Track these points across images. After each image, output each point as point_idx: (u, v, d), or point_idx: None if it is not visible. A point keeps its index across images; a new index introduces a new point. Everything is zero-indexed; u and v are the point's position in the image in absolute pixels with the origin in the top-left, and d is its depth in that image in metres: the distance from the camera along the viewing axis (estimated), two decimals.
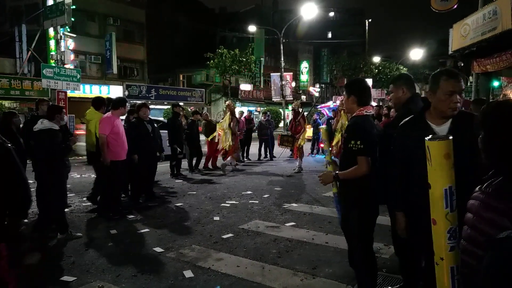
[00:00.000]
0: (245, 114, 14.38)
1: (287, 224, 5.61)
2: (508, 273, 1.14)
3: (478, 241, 1.52)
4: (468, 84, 14.51)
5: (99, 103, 6.69)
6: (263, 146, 13.91)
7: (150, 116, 7.36)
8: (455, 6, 12.10)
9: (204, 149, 11.41)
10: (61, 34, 16.02)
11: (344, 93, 3.14)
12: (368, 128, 2.81)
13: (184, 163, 10.55)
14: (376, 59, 43.48)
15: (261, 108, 32.31)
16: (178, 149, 9.50)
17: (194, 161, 10.81)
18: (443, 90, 2.36)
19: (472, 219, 1.59)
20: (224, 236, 5.07)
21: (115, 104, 6.12)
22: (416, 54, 39.56)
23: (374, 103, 13.10)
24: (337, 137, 7.39)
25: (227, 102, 12.21)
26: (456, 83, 2.36)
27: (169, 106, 11.59)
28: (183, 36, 38.02)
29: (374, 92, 35.60)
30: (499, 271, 1.18)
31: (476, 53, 10.58)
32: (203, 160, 11.20)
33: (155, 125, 7.28)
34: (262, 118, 14.93)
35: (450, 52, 11.86)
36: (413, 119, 2.57)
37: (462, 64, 14.43)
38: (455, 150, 1.94)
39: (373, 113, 3.02)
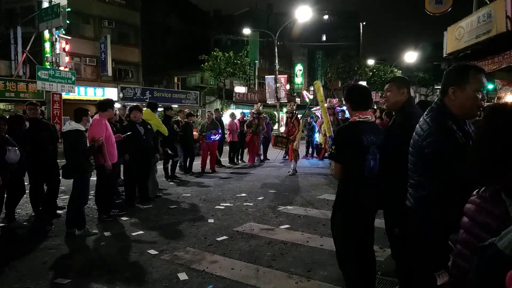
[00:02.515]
0: (239, 116, 14.31)
1: (282, 227, 5.59)
2: (490, 280, 1.17)
3: (473, 245, 1.51)
4: None
5: (155, 105, 8.28)
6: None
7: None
8: (449, 9, 12.19)
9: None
10: (56, 36, 16.00)
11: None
12: (346, 136, 2.81)
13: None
14: (370, 61, 43.64)
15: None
16: (170, 152, 9.45)
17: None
18: (473, 87, 2.11)
19: (467, 223, 1.58)
20: (219, 239, 5.04)
21: (103, 106, 6.03)
22: (411, 57, 39.74)
23: None
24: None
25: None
26: (485, 79, 2.16)
27: (162, 109, 11.48)
28: (178, 38, 37.94)
29: None
30: (483, 278, 1.20)
31: (470, 56, 10.64)
32: (197, 163, 11.15)
33: (149, 126, 7.21)
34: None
35: (444, 55, 11.91)
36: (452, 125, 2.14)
37: None
38: None
39: (370, 118, 2.94)
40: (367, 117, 2.87)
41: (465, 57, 11.00)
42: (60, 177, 5.99)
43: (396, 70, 44.13)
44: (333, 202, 3.06)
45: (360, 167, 2.77)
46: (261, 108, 13.54)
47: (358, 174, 2.78)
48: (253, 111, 13.26)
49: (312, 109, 17.07)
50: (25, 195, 6.06)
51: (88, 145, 5.39)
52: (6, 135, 5.08)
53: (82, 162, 5.21)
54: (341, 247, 2.99)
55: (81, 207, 5.27)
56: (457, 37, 10.64)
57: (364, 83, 38.87)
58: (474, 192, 1.62)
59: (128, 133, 6.61)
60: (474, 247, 1.48)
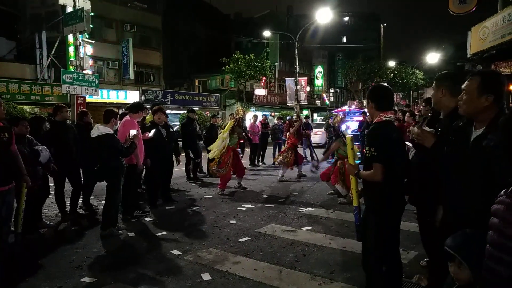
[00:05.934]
0: (260, 118, 14.38)
1: (304, 228, 5.58)
2: None
3: (505, 246, 1.49)
4: None
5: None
6: (277, 150, 13.87)
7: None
8: (474, 9, 11.94)
9: None
10: (80, 41, 16.35)
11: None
12: (385, 135, 2.78)
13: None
14: (391, 63, 43.08)
15: (276, 113, 32.32)
16: (192, 154, 9.55)
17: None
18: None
19: (498, 224, 1.55)
20: (241, 240, 5.07)
21: (134, 108, 6.17)
22: (433, 58, 39.09)
23: None
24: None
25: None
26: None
27: (185, 111, 11.35)
28: (199, 41, 38.26)
29: None
30: None
31: (496, 56, 10.40)
32: None
33: (171, 129, 7.28)
34: (276, 122, 14.89)
35: (468, 55, 11.68)
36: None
37: (481, 68, 14.21)
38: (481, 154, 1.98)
39: (392, 118, 2.95)
40: (391, 117, 2.90)
41: (490, 58, 10.77)
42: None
43: (417, 72, 43.44)
44: (364, 205, 3.05)
45: (394, 164, 2.77)
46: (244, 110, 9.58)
47: (392, 171, 2.77)
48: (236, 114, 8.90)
49: (333, 111, 16.94)
50: (50, 196, 6.22)
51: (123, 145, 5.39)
52: (30, 136, 5.16)
53: (115, 164, 5.24)
54: (374, 249, 2.95)
55: (111, 209, 5.31)
56: (482, 37, 10.42)
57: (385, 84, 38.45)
58: (502, 192, 1.59)
59: (154, 130, 6.66)
60: (506, 247, 1.45)
